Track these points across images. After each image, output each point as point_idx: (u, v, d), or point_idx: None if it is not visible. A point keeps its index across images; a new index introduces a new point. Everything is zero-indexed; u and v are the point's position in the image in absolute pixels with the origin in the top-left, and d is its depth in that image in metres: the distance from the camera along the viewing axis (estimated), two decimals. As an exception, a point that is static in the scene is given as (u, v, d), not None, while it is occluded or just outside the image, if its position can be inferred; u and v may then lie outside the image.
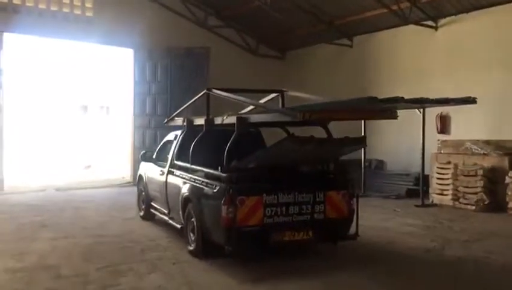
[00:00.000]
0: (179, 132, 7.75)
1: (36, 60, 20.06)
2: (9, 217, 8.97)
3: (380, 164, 13.11)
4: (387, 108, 4.87)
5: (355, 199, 5.87)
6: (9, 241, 7.12)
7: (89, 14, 13.33)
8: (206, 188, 5.93)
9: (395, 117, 4.93)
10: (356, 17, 12.96)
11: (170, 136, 8.18)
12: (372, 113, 5.01)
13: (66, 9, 13.08)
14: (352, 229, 5.99)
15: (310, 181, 5.84)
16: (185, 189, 6.56)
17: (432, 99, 4.85)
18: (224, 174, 5.51)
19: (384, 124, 10.84)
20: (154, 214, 8.25)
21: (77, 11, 13.24)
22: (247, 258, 5.93)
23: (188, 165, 6.67)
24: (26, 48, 17.06)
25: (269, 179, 5.68)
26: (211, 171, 5.87)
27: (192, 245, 6.34)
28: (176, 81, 13.64)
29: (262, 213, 5.49)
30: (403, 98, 4.30)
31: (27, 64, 19.82)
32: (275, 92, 7.06)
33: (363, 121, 10.34)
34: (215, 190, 5.67)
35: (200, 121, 7.14)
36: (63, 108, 22.65)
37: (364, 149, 10.88)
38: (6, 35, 12.48)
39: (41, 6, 12.75)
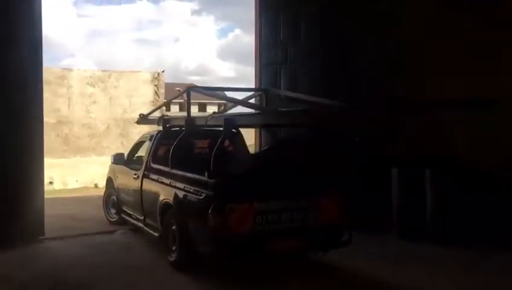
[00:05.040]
0: (154, 132, 7.27)
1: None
2: None
3: None
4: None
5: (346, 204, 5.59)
6: None
7: None
8: (189, 195, 5.50)
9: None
10: None
11: (144, 137, 7.68)
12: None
13: None
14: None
15: (301, 187, 5.51)
16: (164, 195, 6.11)
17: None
18: (211, 180, 5.10)
19: None
20: (126, 220, 7.73)
21: None
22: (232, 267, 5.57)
23: (167, 169, 6.21)
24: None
25: (259, 185, 5.31)
26: (196, 176, 5.44)
27: (173, 255, 5.90)
28: (334, 40, 7.88)
29: (252, 221, 5.12)
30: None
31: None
32: (258, 90, 6.68)
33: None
34: (200, 197, 5.25)
35: (178, 121, 6.70)
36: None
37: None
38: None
39: None
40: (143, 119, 8.05)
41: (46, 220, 7.30)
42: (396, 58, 7.00)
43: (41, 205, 7.12)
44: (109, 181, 8.50)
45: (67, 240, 7.11)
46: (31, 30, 6.81)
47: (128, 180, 7.45)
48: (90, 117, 14.51)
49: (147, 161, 6.95)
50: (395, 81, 6.76)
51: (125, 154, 7.95)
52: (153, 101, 15.59)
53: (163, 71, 15.75)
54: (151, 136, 7.26)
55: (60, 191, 12.58)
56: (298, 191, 5.40)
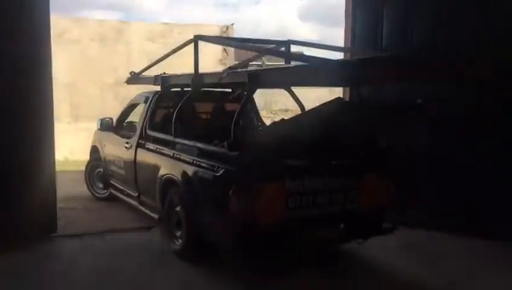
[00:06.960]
0: (150, 94, 6.07)
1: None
2: None
3: None
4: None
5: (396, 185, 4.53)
6: None
7: None
8: (202, 170, 4.37)
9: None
10: None
11: (138, 99, 6.46)
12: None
13: None
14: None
15: (341, 161, 4.42)
16: (165, 169, 4.99)
17: None
18: (233, 153, 3.96)
19: None
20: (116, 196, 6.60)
21: None
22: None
23: (170, 137, 5.06)
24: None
25: (290, 159, 4.21)
26: (212, 147, 4.31)
27: (178, 243, 4.82)
28: None
29: (283, 205, 4.04)
30: None
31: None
32: (279, 42, 5.48)
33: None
34: (217, 174, 4.12)
35: (181, 79, 5.52)
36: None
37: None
38: None
39: None
40: (134, 78, 6.81)
41: (68, 202, 6.50)
42: None
43: (52, 192, 5.33)
44: (94, 151, 7.31)
45: (87, 239, 5.27)
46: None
47: (119, 150, 6.29)
48: (150, 77, 12.95)
49: (142, 128, 5.79)
50: None
51: (114, 120, 6.74)
52: (221, 60, 13.29)
53: (232, 24, 13.85)
54: (147, 98, 6.07)
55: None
56: (339, 166, 4.34)
